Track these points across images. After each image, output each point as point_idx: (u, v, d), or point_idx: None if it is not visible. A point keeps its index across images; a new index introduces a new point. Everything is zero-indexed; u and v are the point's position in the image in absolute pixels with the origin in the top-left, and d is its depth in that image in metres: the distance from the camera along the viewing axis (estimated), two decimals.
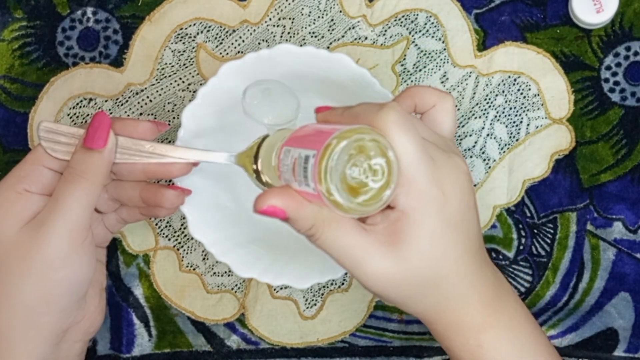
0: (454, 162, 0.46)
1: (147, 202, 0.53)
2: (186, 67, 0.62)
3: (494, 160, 0.61)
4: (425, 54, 0.62)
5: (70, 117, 0.62)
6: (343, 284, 0.62)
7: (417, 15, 0.62)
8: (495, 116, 0.61)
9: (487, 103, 0.61)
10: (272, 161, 0.47)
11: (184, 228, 0.62)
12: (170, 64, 0.62)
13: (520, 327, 0.49)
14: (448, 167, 0.45)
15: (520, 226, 0.61)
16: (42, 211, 0.50)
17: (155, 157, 0.52)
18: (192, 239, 0.62)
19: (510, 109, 0.61)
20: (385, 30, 0.62)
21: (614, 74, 0.61)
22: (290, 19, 0.62)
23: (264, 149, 0.49)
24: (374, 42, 0.62)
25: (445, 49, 0.62)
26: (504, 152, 0.61)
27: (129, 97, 0.62)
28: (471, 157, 0.61)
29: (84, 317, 0.54)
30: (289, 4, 0.62)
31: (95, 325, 0.55)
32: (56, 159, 0.51)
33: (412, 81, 0.62)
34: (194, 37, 0.62)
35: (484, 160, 0.62)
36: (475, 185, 0.62)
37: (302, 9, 0.62)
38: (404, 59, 0.62)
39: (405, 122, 0.43)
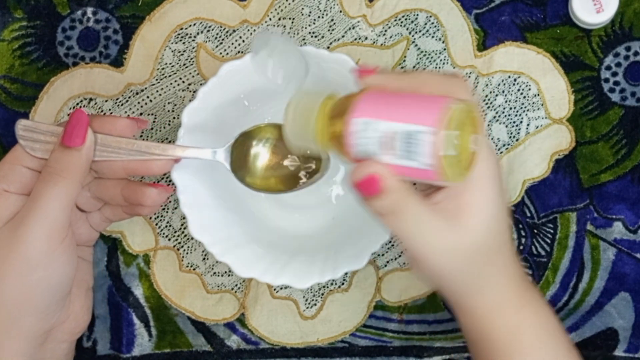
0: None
1: (128, 200, 0.53)
2: (186, 67, 0.62)
3: None
4: (425, 54, 0.62)
5: None
6: (343, 284, 0.62)
7: (417, 15, 0.62)
8: (495, 116, 0.61)
9: (487, 103, 0.61)
10: (316, 128, 0.46)
11: (184, 228, 0.62)
12: (170, 64, 0.62)
13: (551, 320, 0.52)
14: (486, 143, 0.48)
15: (520, 226, 0.61)
16: (20, 211, 0.50)
17: (135, 155, 0.51)
18: (192, 239, 0.62)
19: (510, 109, 0.61)
20: (385, 31, 0.62)
21: (614, 74, 0.61)
22: (290, 19, 0.62)
23: (298, 112, 0.47)
24: (374, 42, 0.62)
25: (445, 49, 0.62)
26: (504, 152, 0.61)
27: (129, 97, 0.62)
28: None
29: (68, 317, 0.53)
30: (289, 4, 0.62)
31: (82, 325, 0.55)
32: (35, 157, 0.51)
33: None
34: (194, 37, 0.62)
35: None
36: None
37: (302, 9, 0.62)
38: (404, 59, 0.62)
39: (470, 95, 0.46)
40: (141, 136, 0.62)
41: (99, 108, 0.62)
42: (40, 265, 0.49)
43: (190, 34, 0.62)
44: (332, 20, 0.62)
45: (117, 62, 0.62)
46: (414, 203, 0.46)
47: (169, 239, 0.62)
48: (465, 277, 0.49)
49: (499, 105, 0.61)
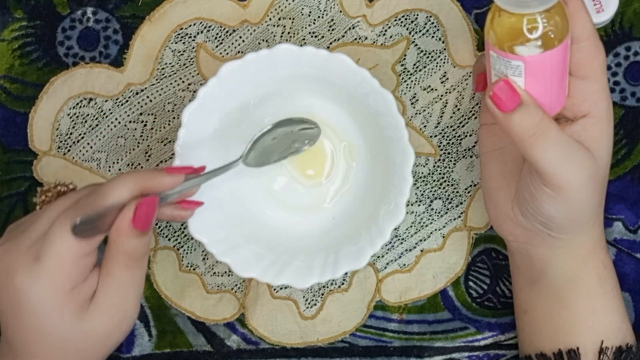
0: None
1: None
2: (186, 67, 0.62)
3: None
4: (425, 54, 0.62)
5: (70, 117, 0.62)
6: (343, 284, 0.62)
7: (417, 15, 0.62)
8: None
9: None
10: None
11: (184, 228, 0.62)
12: (170, 63, 0.62)
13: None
14: None
15: None
16: (98, 293, 0.49)
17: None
18: (192, 239, 0.62)
19: None
20: (385, 30, 0.62)
21: (614, 74, 0.61)
22: (290, 19, 0.62)
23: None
24: (374, 42, 0.62)
25: (445, 49, 0.62)
26: None
27: (129, 97, 0.62)
28: (471, 157, 0.61)
29: None
30: (289, 4, 0.62)
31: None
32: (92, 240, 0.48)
33: (412, 81, 0.62)
34: (194, 37, 0.62)
35: None
36: (475, 185, 0.62)
37: (302, 9, 0.62)
38: (404, 59, 0.62)
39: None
40: (141, 136, 0.62)
41: (99, 108, 0.62)
42: (107, 339, 0.50)
43: (190, 34, 0.62)
44: (332, 20, 0.62)
45: (117, 62, 0.62)
46: (556, 127, 0.48)
47: (169, 239, 0.62)
48: (592, 211, 0.52)
49: None
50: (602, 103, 0.50)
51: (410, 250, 0.62)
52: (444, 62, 0.62)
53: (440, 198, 0.62)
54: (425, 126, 0.62)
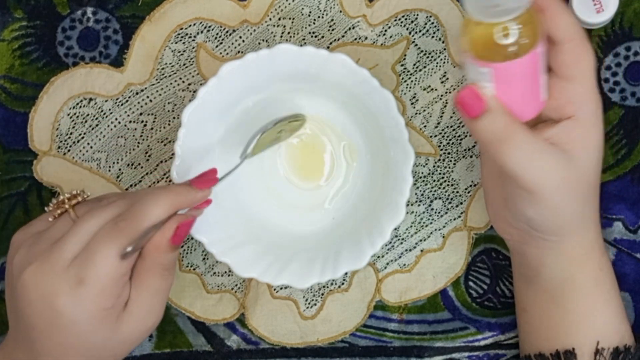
0: None
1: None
2: (186, 67, 0.62)
3: None
4: (425, 54, 0.62)
5: (70, 117, 0.62)
6: (343, 284, 0.62)
7: (417, 15, 0.62)
8: None
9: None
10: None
11: None
12: (170, 63, 0.62)
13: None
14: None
15: None
16: (132, 302, 0.50)
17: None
18: (192, 239, 0.62)
19: None
20: (385, 30, 0.62)
21: (614, 74, 0.61)
22: (290, 19, 0.62)
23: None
24: (374, 42, 0.62)
25: (445, 49, 0.62)
26: None
27: (129, 97, 0.62)
28: (471, 157, 0.61)
29: None
30: (289, 4, 0.62)
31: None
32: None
33: (412, 81, 0.62)
34: (194, 37, 0.62)
35: None
36: (475, 185, 0.62)
37: (302, 9, 0.62)
38: (404, 59, 0.62)
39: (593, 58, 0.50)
40: (141, 136, 0.62)
41: (99, 108, 0.62)
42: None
43: (190, 34, 0.62)
44: (332, 20, 0.62)
45: (117, 62, 0.62)
46: (524, 130, 0.48)
47: None
48: (574, 213, 0.51)
49: None
50: (588, 106, 0.50)
51: (410, 250, 0.62)
52: (444, 62, 0.62)
53: (440, 198, 0.62)
54: (425, 126, 0.62)
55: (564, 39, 0.48)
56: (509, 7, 0.44)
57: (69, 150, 0.62)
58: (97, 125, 0.62)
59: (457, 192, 0.62)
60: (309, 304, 0.62)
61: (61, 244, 0.48)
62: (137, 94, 0.62)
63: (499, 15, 0.45)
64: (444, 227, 0.62)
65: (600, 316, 0.54)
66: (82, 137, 0.62)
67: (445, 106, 0.62)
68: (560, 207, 0.50)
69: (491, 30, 0.45)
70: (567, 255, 0.53)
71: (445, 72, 0.62)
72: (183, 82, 0.62)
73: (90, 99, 0.62)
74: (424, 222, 0.62)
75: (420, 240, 0.62)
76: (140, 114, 0.62)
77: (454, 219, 0.62)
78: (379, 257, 0.62)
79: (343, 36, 0.62)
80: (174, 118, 0.62)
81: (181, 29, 0.62)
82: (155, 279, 0.50)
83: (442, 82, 0.62)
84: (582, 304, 0.54)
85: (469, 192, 0.62)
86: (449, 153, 0.62)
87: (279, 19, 0.62)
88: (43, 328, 0.48)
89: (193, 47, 0.62)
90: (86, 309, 0.47)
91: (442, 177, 0.62)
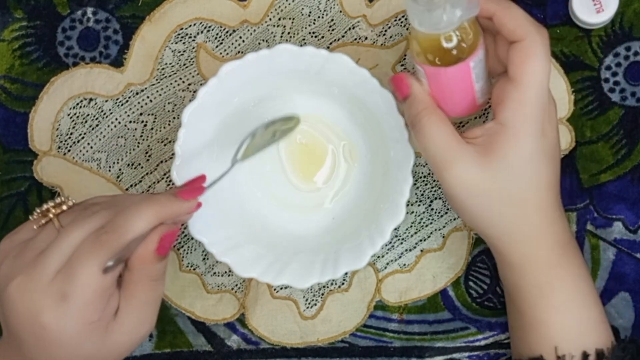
0: (555, 116, 0.51)
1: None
2: (186, 67, 0.62)
3: None
4: None
5: (70, 117, 0.62)
6: (343, 284, 0.62)
7: None
8: None
9: (487, 103, 0.61)
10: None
11: (184, 228, 0.62)
12: (170, 64, 0.62)
13: (585, 280, 0.53)
14: (553, 116, 0.51)
15: None
16: (122, 314, 0.49)
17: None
18: (192, 239, 0.62)
19: None
20: (385, 31, 0.62)
21: (614, 74, 0.61)
22: (290, 19, 0.62)
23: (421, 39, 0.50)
24: (374, 42, 0.62)
25: None
26: None
27: (129, 97, 0.62)
28: None
29: None
30: (289, 4, 0.62)
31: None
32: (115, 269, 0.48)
33: None
34: (194, 37, 0.62)
35: None
36: None
37: (302, 9, 0.62)
38: (404, 59, 0.62)
39: (548, 57, 0.48)
40: (141, 136, 0.62)
41: (99, 108, 0.62)
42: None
43: (190, 34, 0.62)
44: (332, 20, 0.62)
45: (117, 62, 0.62)
46: (439, 116, 0.49)
47: None
48: (487, 217, 0.51)
49: None
50: (521, 112, 0.48)
51: (410, 250, 0.62)
52: None
53: (440, 198, 0.62)
54: None
55: (513, 38, 0.49)
56: (439, 26, 0.47)
57: (69, 151, 0.62)
58: (97, 125, 0.62)
59: None
60: (309, 304, 0.62)
61: (44, 257, 0.47)
62: (137, 94, 0.62)
63: (432, 29, 0.47)
64: (444, 227, 0.62)
65: (553, 324, 0.52)
66: (82, 137, 0.62)
67: None
68: (476, 210, 0.50)
69: (423, 38, 0.49)
70: (507, 264, 0.53)
71: None
72: (183, 82, 0.62)
73: (91, 99, 0.62)
74: (424, 222, 0.62)
75: (421, 240, 0.62)
76: (141, 114, 0.62)
77: (454, 219, 0.62)
78: (379, 257, 0.62)
79: (343, 36, 0.62)
80: (174, 118, 0.62)
81: (181, 29, 0.62)
82: (144, 290, 0.49)
83: None
84: (530, 314, 0.53)
85: None
86: None
87: (279, 19, 0.62)
88: (32, 342, 0.47)
89: (193, 47, 0.62)
90: (71, 324, 0.46)
91: None
